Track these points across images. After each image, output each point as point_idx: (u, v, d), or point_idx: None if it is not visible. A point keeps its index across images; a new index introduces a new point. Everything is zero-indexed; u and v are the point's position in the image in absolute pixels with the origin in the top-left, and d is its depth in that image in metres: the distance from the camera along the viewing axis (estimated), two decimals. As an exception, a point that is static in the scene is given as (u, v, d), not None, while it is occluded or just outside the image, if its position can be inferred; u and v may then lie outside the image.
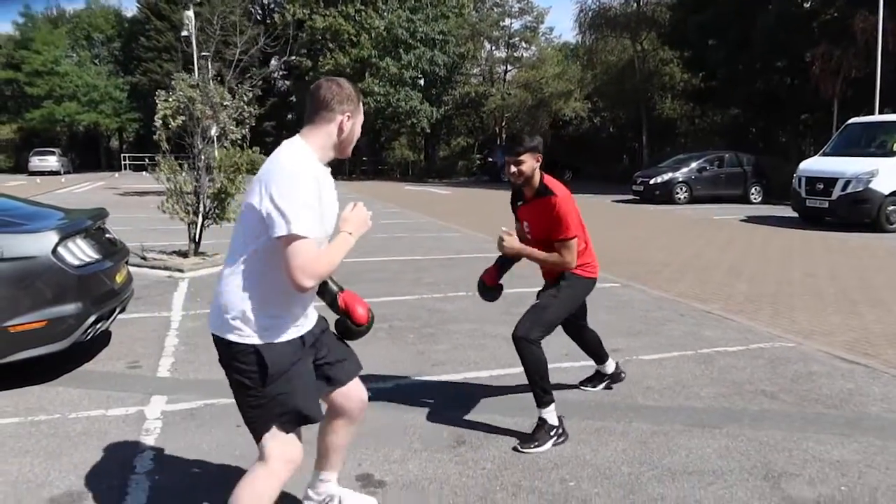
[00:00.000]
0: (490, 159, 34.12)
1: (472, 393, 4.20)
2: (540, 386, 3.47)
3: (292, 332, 2.25)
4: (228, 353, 2.20)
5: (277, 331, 2.20)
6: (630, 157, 32.12)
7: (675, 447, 3.47)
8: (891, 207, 13.30)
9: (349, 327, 2.49)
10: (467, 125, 42.27)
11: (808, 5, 26.06)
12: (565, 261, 3.55)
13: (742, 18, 24.76)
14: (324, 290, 2.48)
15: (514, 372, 4.56)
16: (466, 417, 3.80)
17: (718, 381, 4.49)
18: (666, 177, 19.90)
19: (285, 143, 2.27)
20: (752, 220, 15.65)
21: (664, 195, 19.40)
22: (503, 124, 40.84)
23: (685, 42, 28.95)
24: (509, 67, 41.28)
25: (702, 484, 3.09)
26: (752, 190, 20.32)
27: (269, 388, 2.17)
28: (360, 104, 2.34)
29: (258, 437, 2.25)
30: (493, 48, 40.95)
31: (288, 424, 2.22)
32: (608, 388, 4.25)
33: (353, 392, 2.56)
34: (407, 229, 12.95)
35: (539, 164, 3.52)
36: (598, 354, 4.19)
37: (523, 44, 40.63)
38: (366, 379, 4.33)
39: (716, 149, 23.55)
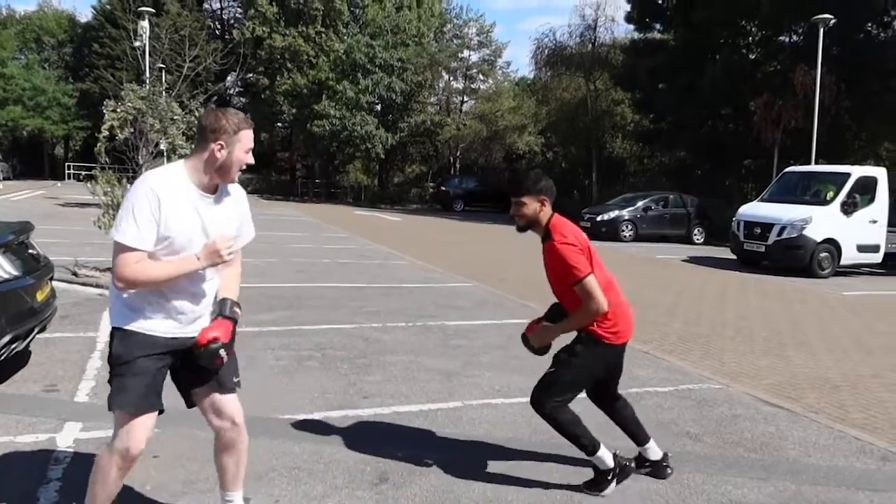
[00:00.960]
0: (443, 188, 34.28)
1: (399, 427, 4.16)
2: (577, 441, 3.34)
3: (147, 326, 2.41)
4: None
5: (129, 320, 2.41)
6: (581, 192, 32.71)
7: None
8: (823, 254, 13.82)
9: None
10: (422, 153, 42.47)
11: (752, 56, 27.25)
12: (589, 309, 3.13)
13: (690, 65, 25.70)
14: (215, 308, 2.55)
15: (444, 406, 4.57)
16: (392, 453, 3.75)
17: (645, 422, 4.50)
18: (613, 214, 20.32)
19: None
20: (693, 260, 16.07)
21: (610, 232, 19.79)
22: (458, 154, 41.18)
23: (636, 84, 29.86)
24: (466, 98, 41.81)
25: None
26: (695, 231, 20.91)
27: (113, 368, 2.42)
28: (240, 134, 2.42)
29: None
30: (451, 79, 41.43)
31: (112, 406, 2.41)
32: (651, 475, 3.62)
33: (220, 407, 2.62)
34: (353, 255, 12.87)
35: (545, 207, 3.27)
36: (635, 433, 3.65)
37: (480, 76, 41.21)
38: (293, 409, 4.30)
39: (662, 189, 24.19)
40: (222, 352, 2.42)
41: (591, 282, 3.10)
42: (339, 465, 3.56)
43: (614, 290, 3.34)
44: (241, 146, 2.43)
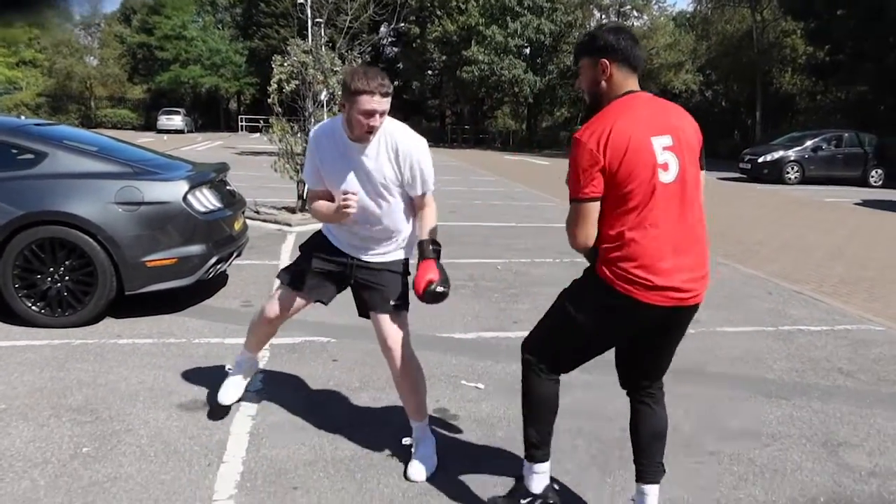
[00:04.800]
0: (593, 131, 33.46)
1: (547, 349, 4.48)
2: (525, 428, 2.54)
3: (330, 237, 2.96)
4: None
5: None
6: (742, 133, 30.71)
7: (739, 412, 3.63)
8: None
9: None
10: (571, 96, 41.60)
11: (953, -28, 23.87)
12: (568, 231, 2.30)
13: (876, -13, 23.03)
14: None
15: (590, 333, 4.82)
16: (539, 369, 4.08)
17: (794, 357, 4.55)
18: (777, 155, 19.03)
19: None
20: (867, 203, 14.83)
21: (773, 174, 18.59)
22: (609, 96, 39.89)
23: (810, 12, 27.23)
24: (619, 37, 40.10)
25: (758, 445, 3.27)
26: (873, 172, 19.14)
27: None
28: (357, 97, 2.54)
29: None
30: (603, 17, 39.93)
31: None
32: None
33: (378, 327, 2.93)
34: (502, 197, 13.21)
35: (609, 73, 2.23)
36: (642, 455, 2.51)
37: (634, 12, 39.42)
38: (450, 329, 4.76)
39: (836, 128, 22.20)
40: (440, 288, 2.68)
41: (576, 210, 2.22)
42: (493, 376, 3.96)
43: (657, 234, 2.17)
44: (356, 108, 2.56)
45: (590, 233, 2.22)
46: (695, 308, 2.32)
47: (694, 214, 2.25)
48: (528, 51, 37.29)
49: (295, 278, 2.99)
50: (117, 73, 49.63)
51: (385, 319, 2.88)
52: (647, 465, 2.49)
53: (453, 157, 27.98)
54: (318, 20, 18.66)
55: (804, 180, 18.66)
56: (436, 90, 45.73)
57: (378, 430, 3.25)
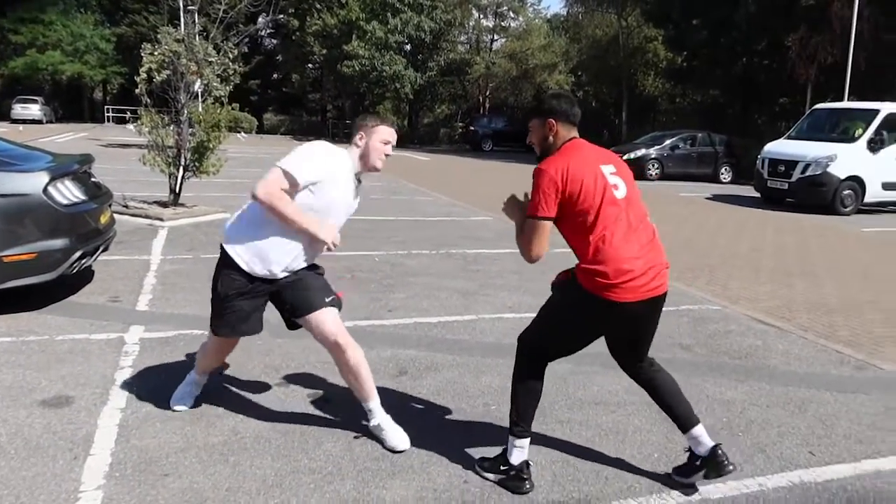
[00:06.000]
0: (472, 128, 34.35)
1: (418, 334, 4.70)
2: (512, 406, 2.89)
3: (256, 266, 3.03)
4: None
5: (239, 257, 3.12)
6: (610, 132, 32.50)
7: (589, 384, 4.00)
8: (846, 192, 13.87)
9: None
10: (451, 93, 42.41)
11: (790, -11, 26.44)
12: (523, 246, 2.72)
13: (725, -1, 25.14)
14: None
15: (460, 319, 5.10)
16: (411, 354, 4.30)
17: (642, 335, 5.02)
18: (639, 153, 20.33)
19: None
20: (717, 198, 16.24)
21: (636, 171, 19.64)
22: (487, 93, 41.03)
23: (669, 20, 29.29)
24: (496, 37, 41.39)
25: (605, 411, 3.64)
26: (723, 169, 20.86)
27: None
28: (377, 127, 3.00)
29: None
30: (481, 17, 41.01)
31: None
32: (710, 476, 2.84)
33: (321, 324, 3.07)
34: (382, 192, 13.36)
35: (556, 131, 2.76)
36: (674, 409, 2.95)
37: (511, 14, 40.70)
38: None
39: (693, 128, 24.02)
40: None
41: (535, 226, 2.65)
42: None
43: (619, 241, 2.63)
44: (376, 137, 2.99)
45: (542, 248, 2.68)
46: (663, 297, 2.80)
47: (643, 222, 2.78)
48: (408, 47, 37.59)
49: (234, 327, 3.11)
50: (-37, 57, 45.22)
51: (328, 314, 3.06)
52: (683, 414, 2.93)
53: (335, 152, 27.78)
54: (190, 7, 17.93)
55: (664, 177, 20.07)
56: (317, 84, 45.12)
57: (249, 415, 3.34)
